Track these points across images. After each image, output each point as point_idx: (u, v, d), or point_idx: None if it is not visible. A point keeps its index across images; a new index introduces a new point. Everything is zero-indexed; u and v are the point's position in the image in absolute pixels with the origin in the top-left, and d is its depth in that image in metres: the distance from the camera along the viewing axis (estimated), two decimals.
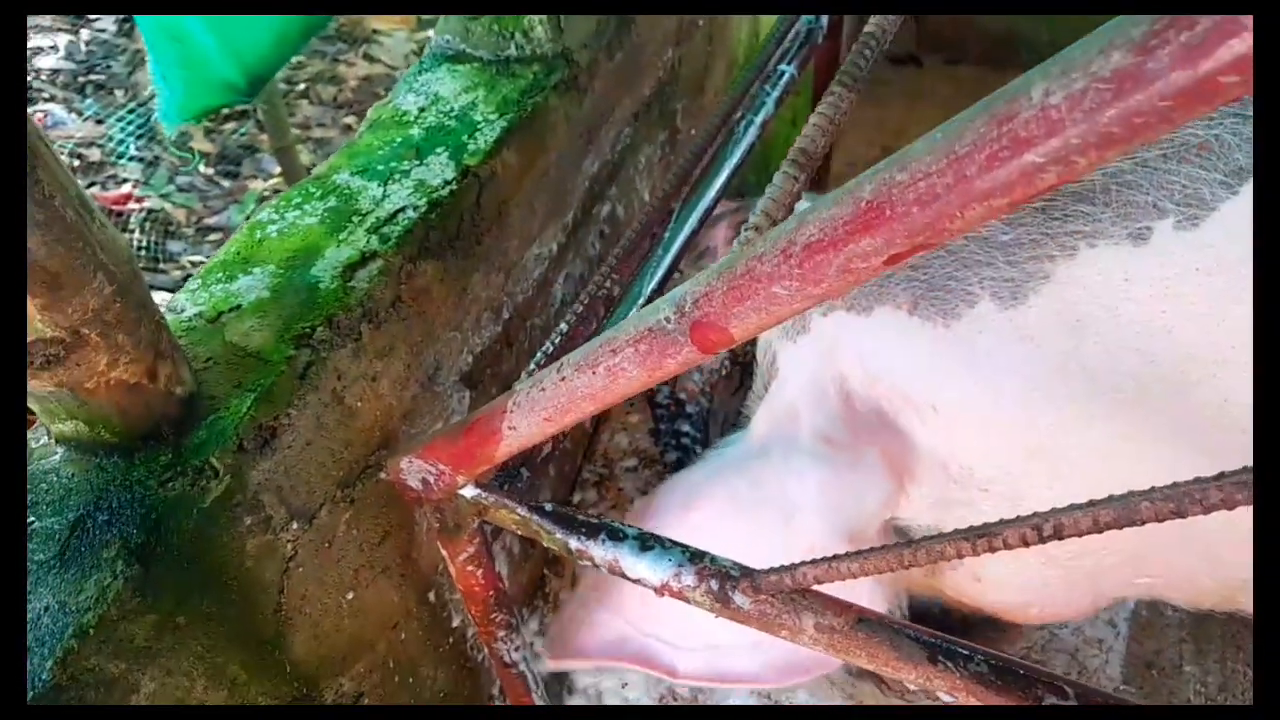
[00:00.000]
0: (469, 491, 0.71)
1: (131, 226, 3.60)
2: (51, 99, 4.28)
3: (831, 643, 0.64)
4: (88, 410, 0.63)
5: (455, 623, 1.01)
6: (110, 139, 4.09)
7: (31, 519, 0.64)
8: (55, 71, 4.47)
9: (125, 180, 3.91)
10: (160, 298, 3.28)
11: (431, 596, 0.95)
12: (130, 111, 4.11)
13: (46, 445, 0.68)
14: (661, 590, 0.68)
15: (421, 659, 0.96)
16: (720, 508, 0.82)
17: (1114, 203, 0.69)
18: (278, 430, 0.71)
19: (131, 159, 4.03)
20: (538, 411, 0.56)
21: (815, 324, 0.83)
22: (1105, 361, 0.73)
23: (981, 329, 0.76)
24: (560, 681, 1.15)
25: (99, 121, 4.18)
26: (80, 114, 4.31)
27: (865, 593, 0.94)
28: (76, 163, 3.77)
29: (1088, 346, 0.73)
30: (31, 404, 0.64)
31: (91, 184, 3.82)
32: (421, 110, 0.93)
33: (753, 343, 1.43)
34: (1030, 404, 0.77)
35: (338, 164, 0.88)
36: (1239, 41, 0.26)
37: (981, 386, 0.78)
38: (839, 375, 0.82)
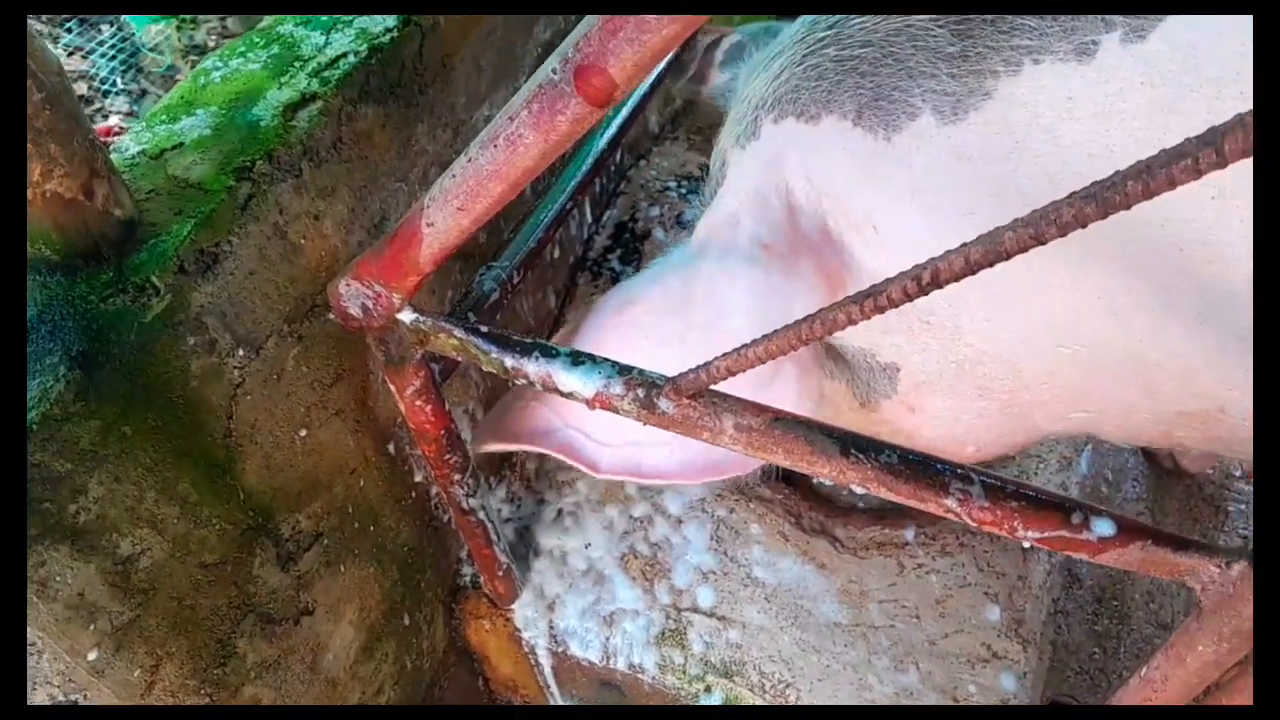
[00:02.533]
0: (407, 316, 0.73)
1: None
2: (37, 34, 4.25)
3: (750, 441, 0.67)
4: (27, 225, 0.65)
5: (418, 478, 1.04)
6: (98, 73, 4.07)
7: None
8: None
9: (113, 114, 3.90)
10: None
11: (390, 448, 0.98)
12: (115, 47, 4.09)
13: None
14: (593, 402, 0.71)
15: (382, 509, 0.99)
16: (653, 304, 0.83)
17: (1061, 16, 0.69)
18: (219, 256, 0.73)
19: (119, 92, 4.02)
20: (451, 202, 0.58)
21: (765, 130, 0.83)
22: (1044, 186, 0.73)
23: (920, 144, 0.75)
24: (525, 542, 1.18)
25: (85, 55, 4.15)
26: (65, 49, 4.29)
27: None
28: None
29: (1026, 169, 0.73)
30: None
31: None
32: None
33: None
34: (965, 230, 0.77)
35: (283, 17, 0.89)
36: None
37: (918, 207, 0.78)
38: (784, 186, 0.82)
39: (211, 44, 4.07)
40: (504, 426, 0.93)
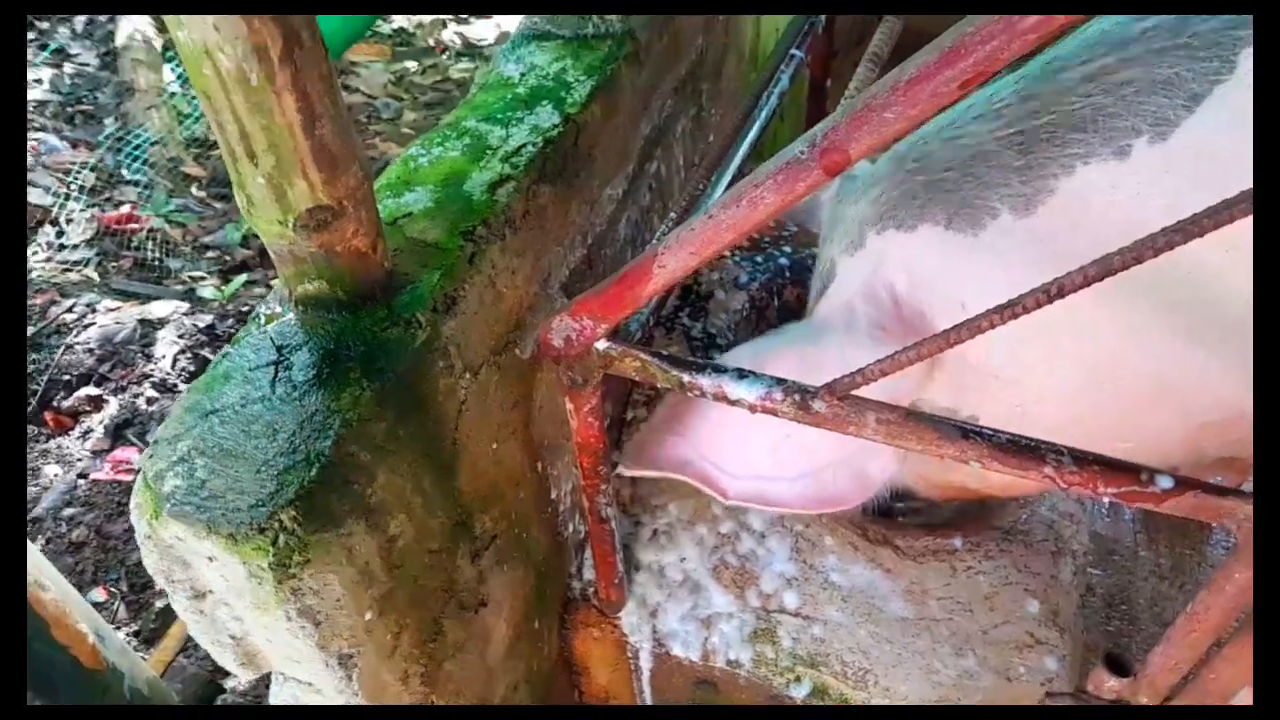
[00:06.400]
0: (602, 345, 0.93)
1: (135, 245, 3.76)
2: (43, 129, 4.43)
3: (889, 432, 0.87)
4: (332, 270, 0.84)
5: (553, 494, 1.22)
6: (103, 164, 4.25)
7: (286, 357, 0.85)
8: (43, 103, 4.63)
9: (123, 203, 4.06)
10: (168, 307, 3.39)
11: (540, 467, 1.16)
12: (120, 139, 4.28)
13: (278, 311, 0.89)
14: (756, 406, 0.90)
15: (531, 521, 1.16)
16: (787, 365, 1.03)
17: (1101, 130, 0.92)
18: (456, 299, 0.92)
19: (127, 182, 4.19)
20: (685, 248, 0.79)
21: (870, 240, 1.06)
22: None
23: (1001, 234, 0.98)
24: (626, 558, 1.36)
25: (91, 148, 4.33)
26: (72, 143, 4.47)
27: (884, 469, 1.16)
28: (75, 187, 3.93)
29: (1083, 242, 0.95)
30: (285, 268, 0.85)
31: (91, 205, 3.97)
32: (523, 75, 1.16)
33: (769, 291, 1.67)
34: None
35: (463, 115, 1.11)
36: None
37: (1001, 281, 1.01)
38: (888, 283, 1.05)
39: (212, 138, 4.27)
40: (648, 455, 1.12)
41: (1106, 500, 1.62)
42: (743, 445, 1.13)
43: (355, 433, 0.80)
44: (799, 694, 1.29)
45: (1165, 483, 0.80)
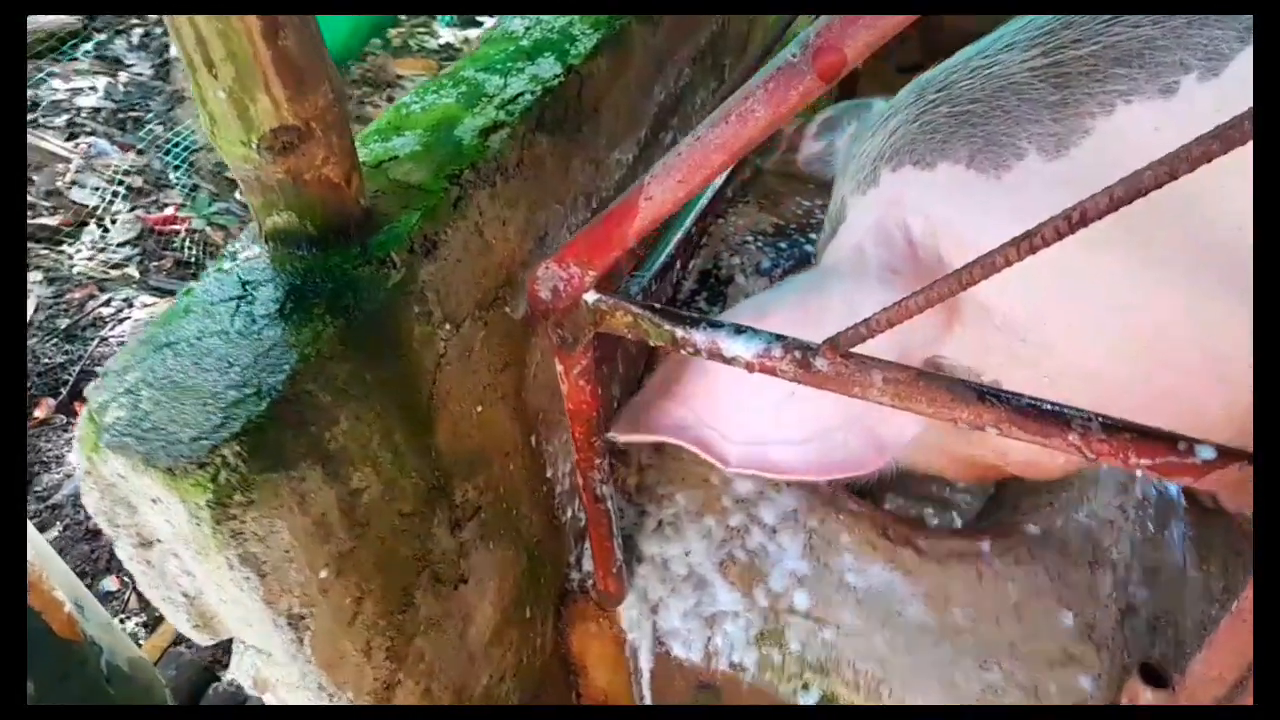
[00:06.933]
0: (591, 297, 0.86)
1: (177, 245, 3.81)
2: (93, 133, 4.53)
3: (897, 392, 0.79)
4: (300, 201, 0.79)
5: (549, 473, 1.15)
6: (150, 168, 4.33)
7: (250, 292, 0.79)
8: (96, 110, 4.73)
9: (167, 205, 4.12)
10: None
11: (533, 440, 1.09)
12: (170, 144, 4.35)
13: (247, 247, 0.84)
14: (753, 365, 0.83)
15: (522, 497, 1.10)
16: (790, 315, 0.96)
17: (1148, 65, 0.84)
18: (437, 243, 0.86)
19: (172, 186, 4.26)
20: (672, 175, 0.72)
21: (884, 178, 0.98)
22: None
23: (1028, 179, 0.90)
24: (629, 550, 1.28)
25: (140, 152, 4.41)
26: (122, 147, 4.55)
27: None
28: (123, 189, 4.00)
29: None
30: (254, 199, 0.80)
31: (135, 208, 4.04)
32: (528, 29, 1.11)
33: None
34: (1063, 245, 0.91)
35: (462, 65, 1.06)
36: None
37: (1023, 223, 0.93)
38: (903, 224, 0.96)
39: None
40: (642, 420, 1.05)
41: (1150, 485, 1.51)
42: (744, 407, 1.04)
43: (314, 370, 0.75)
44: (807, 702, 1.20)
45: (1207, 453, 0.71)
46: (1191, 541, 1.56)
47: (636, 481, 1.36)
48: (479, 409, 0.96)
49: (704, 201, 1.13)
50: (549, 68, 1.04)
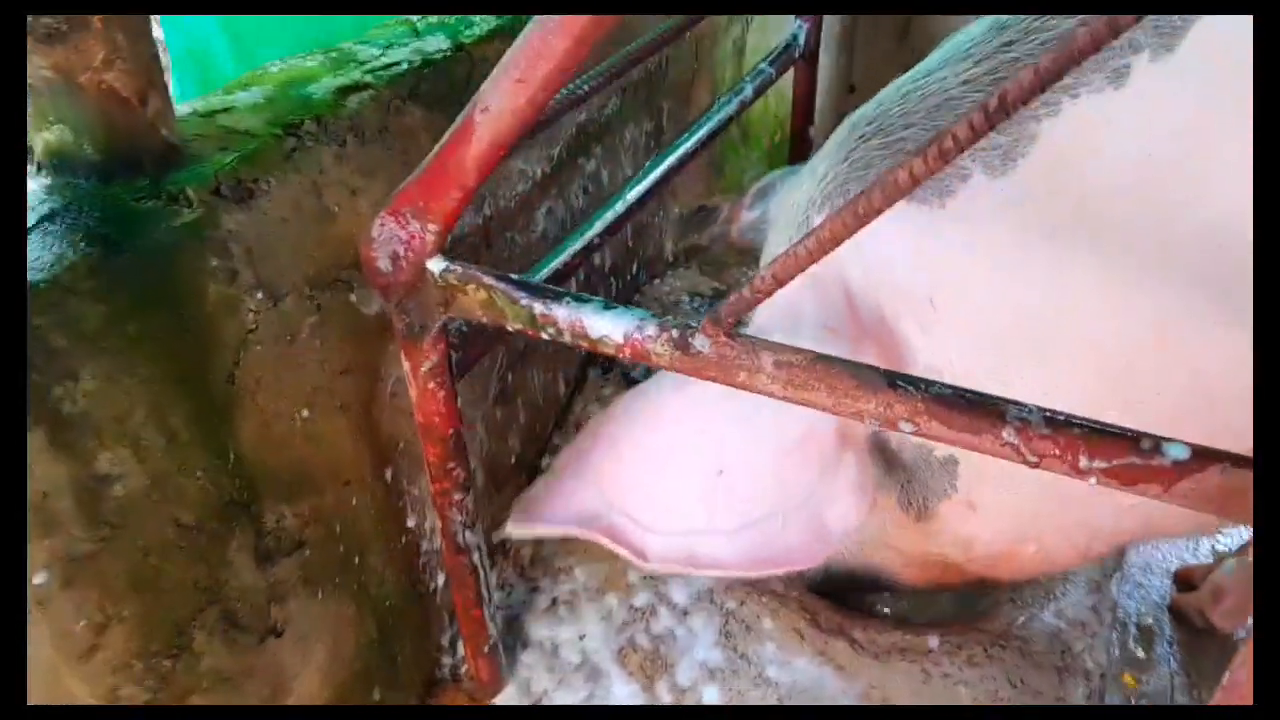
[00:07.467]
0: (437, 265, 0.71)
1: None
2: None
3: (791, 378, 0.63)
4: (75, 113, 0.65)
5: (411, 523, 0.96)
6: None
7: None
8: None
9: None
10: None
11: (388, 475, 0.92)
12: None
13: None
14: (624, 347, 0.68)
15: (369, 544, 0.91)
16: (717, 391, 0.82)
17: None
18: (255, 192, 0.72)
19: None
20: (510, 74, 0.59)
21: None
22: (1090, 210, 0.75)
23: (975, 201, 0.78)
24: (514, 633, 1.08)
25: None
26: None
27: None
28: None
29: (1073, 198, 0.76)
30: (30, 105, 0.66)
31: None
32: (424, 16, 1.01)
33: None
34: (1023, 264, 0.77)
35: (343, 41, 0.94)
36: None
37: (974, 257, 0.80)
38: (840, 275, 0.84)
39: None
40: (543, 509, 0.89)
41: (1128, 597, 1.31)
42: (665, 488, 0.88)
43: (48, 303, 0.59)
44: None
45: (1177, 452, 0.54)
46: (1181, 665, 1.36)
47: (531, 553, 1.17)
48: (305, 413, 0.79)
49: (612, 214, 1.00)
50: (436, 44, 0.92)
